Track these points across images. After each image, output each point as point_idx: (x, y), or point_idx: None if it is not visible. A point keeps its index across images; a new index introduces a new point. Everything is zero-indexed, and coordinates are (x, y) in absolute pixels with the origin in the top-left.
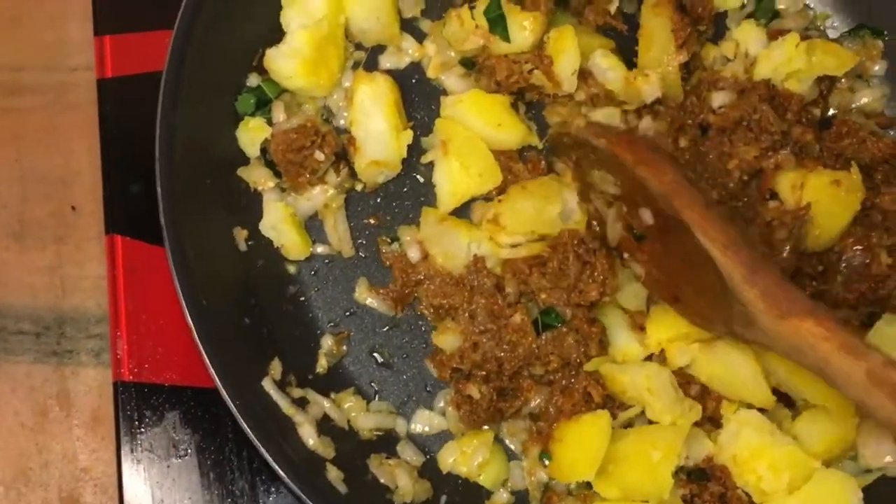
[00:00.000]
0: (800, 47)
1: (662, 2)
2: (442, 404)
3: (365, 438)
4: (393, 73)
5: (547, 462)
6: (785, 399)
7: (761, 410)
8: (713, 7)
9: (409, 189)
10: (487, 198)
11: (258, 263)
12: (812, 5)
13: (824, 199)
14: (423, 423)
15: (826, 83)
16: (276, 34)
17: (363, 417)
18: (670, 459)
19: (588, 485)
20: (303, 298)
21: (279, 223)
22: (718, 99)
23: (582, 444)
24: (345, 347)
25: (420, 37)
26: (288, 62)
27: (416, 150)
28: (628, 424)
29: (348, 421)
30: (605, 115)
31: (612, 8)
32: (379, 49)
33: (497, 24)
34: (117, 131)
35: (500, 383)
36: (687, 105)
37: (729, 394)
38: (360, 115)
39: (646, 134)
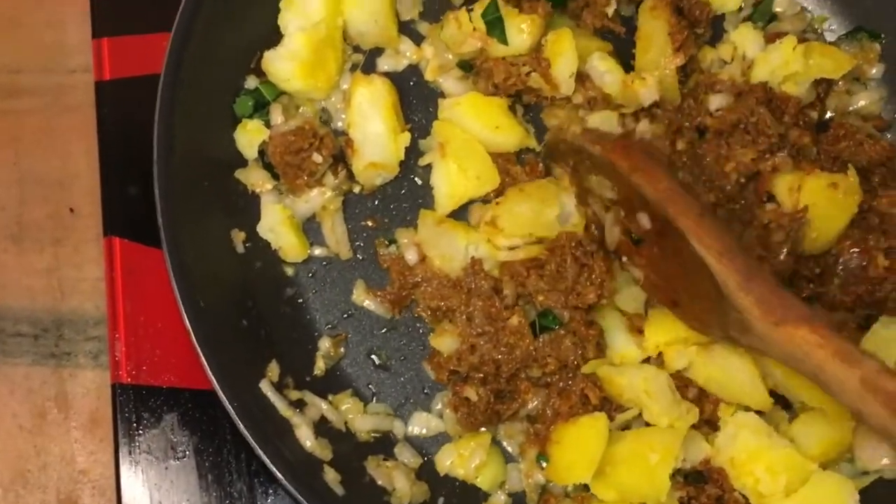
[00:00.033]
0: (797, 50)
1: (660, 5)
2: (439, 406)
3: (362, 440)
4: (391, 76)
5: (544, 464)
6: (782, 402)
7: (759, 413)
8: (710, 10)
9: (407, 191)
10: (485, 200)
11: (256, 265)
12: (809, 8)
13: (821, 201)
14: (421, 425)
15: (823, 86)
16: (274, 37)
17: (361, 419)
18: (667, 462)
19: (585, 487)
20: (300, 300)
21: (277, 225)
22: (716, 102)
23: (579, 446)
24: (342, 349)
25: (418, 39)
26: (286, 64)
27: (413, 152)
28: (626, 427)
29: (346, 423)
30: (603, 119)
31: (610, 11)
32: (377, 52)
33: (495, 26)
34: (115, 133)
35: (497, 385)
36: (684, 108)
37: (727, 397)
38: (357, 117)
39: (642, 138)
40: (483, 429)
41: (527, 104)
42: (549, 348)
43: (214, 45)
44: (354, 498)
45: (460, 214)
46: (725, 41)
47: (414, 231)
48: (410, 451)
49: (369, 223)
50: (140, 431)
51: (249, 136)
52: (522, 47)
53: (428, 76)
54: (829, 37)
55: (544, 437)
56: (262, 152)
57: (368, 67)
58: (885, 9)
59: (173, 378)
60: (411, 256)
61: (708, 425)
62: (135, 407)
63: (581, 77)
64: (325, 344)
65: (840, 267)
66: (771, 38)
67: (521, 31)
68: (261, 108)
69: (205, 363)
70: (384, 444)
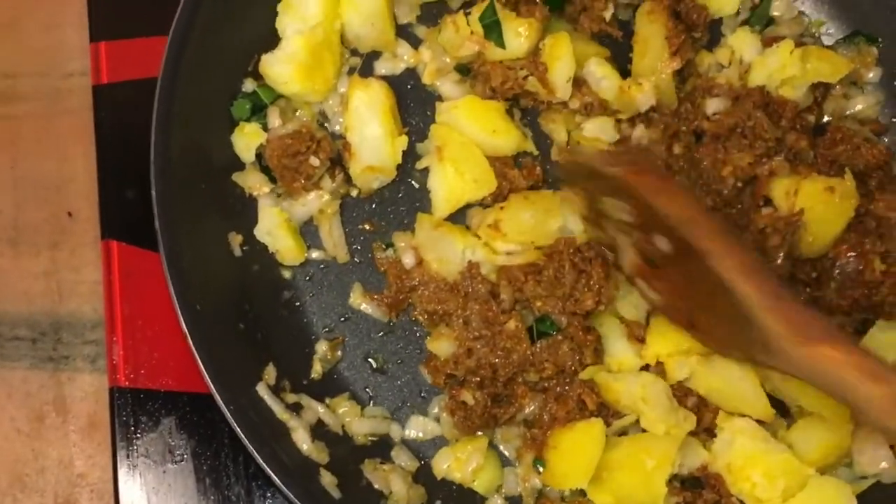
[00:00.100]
0: (794, 54)
1: (657, 9)
2: (436, 410)
3: (359, 444)
4: (388, 79)
5: (541, 469)
6: (780, 407)
7: (758, 421)
8: (708, 14)
9: (404, 195)
10: (483, 204)
11: (253, 269)
12: (807, 12)
13: (818, 205)
14: (418, 428)
15: (821, 90)
16: (271, 40)
17: (357, 423)
18: (664, 467)
19: (582, 492)
20: (297, 304)
21: (274, 228)
22: (713, 105)
23: (576, 451)
24: (339, 353)
25: (415, 43)
26: (283, 68)
27: (411, 155)
28: (622, 433)
29: (342, 426)
30: (599, 124)
31: (607, 15)
32: (374, 55)
33: (492, 30)
34: (113, 137)
35: (494, 390)
36: (681, 112)
37: (728, 407)
38: (355, 120)
39: (639, 143)
40: (480, 433)
41: (524, 108)
42: (546, 353)
43: (212, 48)
44: (351, 501)
45: (458, 218)
46: (723, 45)
47: (411, 234)
48: (407, 455)
49: (366, 226)
50: (138, 435)
51: (247, 140)
52: (520, 51)
53: (425, 80)
54: (827, 41)
55: (541, 441)
56: (259, 155)
57: (366, 71)
58: (883, 13)
59: (171, 381)
60: (408, 260)
61: (706, 432)
62: (132, 410)
63: (578, 82)
64: (321, 347)
65: (837, 271)
66: (768, 42)
67: (518, 34)
68: (258, 111)
69: (201, 366)
70: (381, 448)
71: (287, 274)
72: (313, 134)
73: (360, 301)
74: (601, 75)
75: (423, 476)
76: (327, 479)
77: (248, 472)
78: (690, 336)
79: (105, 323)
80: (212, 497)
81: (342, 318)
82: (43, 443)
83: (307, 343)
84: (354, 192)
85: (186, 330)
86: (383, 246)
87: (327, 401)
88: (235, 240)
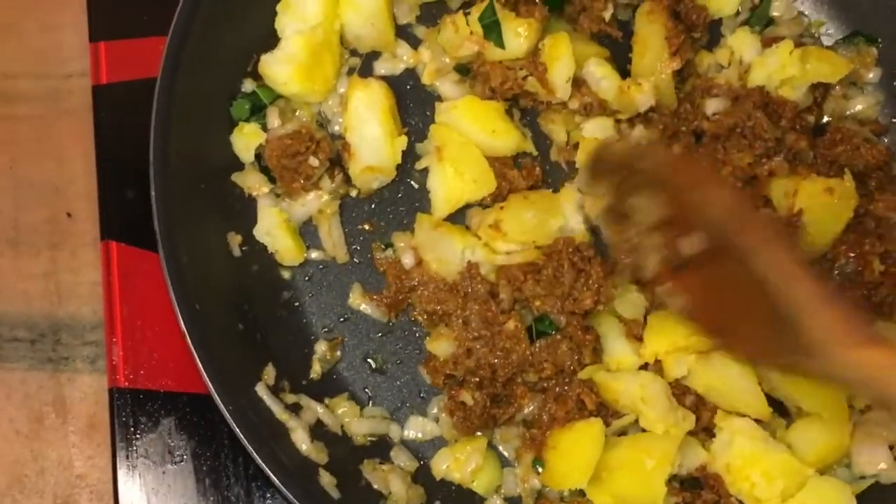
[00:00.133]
0: (794, 54)
1: (656, 9)
2: (435, 410)
3: (358, 444)
4: (388, 80)
5: (540, 469)
6: (779, 407)
7: (756, 421)
8: (707, 14)
9: (404, 195)
10: (482, 204)
11: (252, 269)
12: (807, 13)
13: (817, 206)
14: (417, 428)
15: (820, 90)
16: (270, 40)
17: (357, 423)
18: (664, 467)
19: (581, 492)
20: (297, 304)
21: (273, 229)
22: (712, 106)
23: (575, 451)
24: (339, 353)
25: (415, 43)
26: (283, 68)
27: (410, 156)
28: (622, 433)
29: (342, 426)
30: (599, 125)
31: (607, 15)
32: (374, 55)
33: (491, 30)
34: (112, 137)
35: (493, 390)
36: (681, 112)
37: (726, 406)
38: (354, 120)
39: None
40: (479, 433)
41: (524, 108)
42: (545, 353)
43: (211, 48)
44: (350, 501)
45: (457, 218)
46: (722, 45)
47: (410, 235)
48: (406, 455)
49: (366, 227)
50: (137, 436)
51: (246, 140)
52: (519, 51)
53: (425, 80)
54: (827, 41)
55: (540, 442)
56: (258, 156)
57: (365, 71)
58: (883, 13)
59: (171, 382)
60: (408, 260)
61: (705, 432)
62: (132, 411)
63: (577, 82)
64: (321, 347)
65: (836, 271)
66: (768, 43)
67: (517, 34)
68: (257, 111)
69: (200, 366)
70: (380, 448)
71: (286, 274)
72: (313, 134)
73: (359, 301)
74: (601, 75)
75: (422, 476)
76: (326, 480)
77: (248, 473)
78: (717, 344)
79: (104, 324)
80: (211, 498)
81: (341, 319)
82: (42, 444)
83: (306, 343)
84: (354, 193)
85: (185, 330)
86: (382, 246)
87: (326, 401)
88: (235, 240)
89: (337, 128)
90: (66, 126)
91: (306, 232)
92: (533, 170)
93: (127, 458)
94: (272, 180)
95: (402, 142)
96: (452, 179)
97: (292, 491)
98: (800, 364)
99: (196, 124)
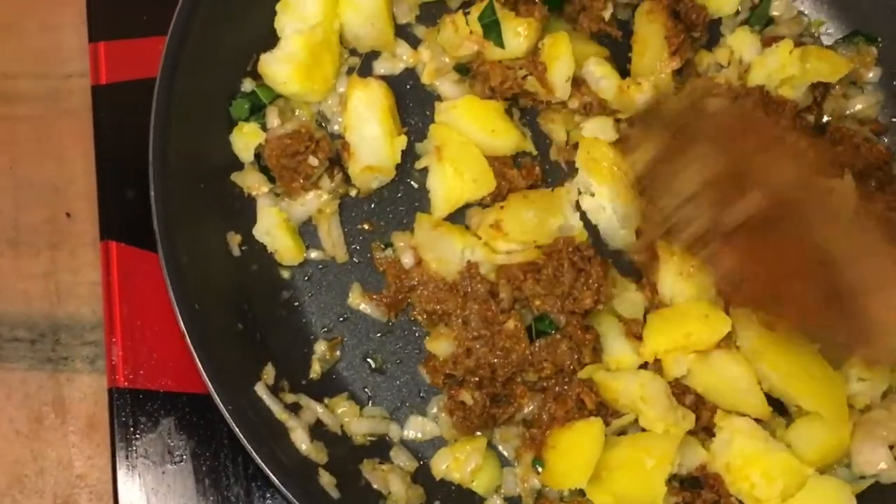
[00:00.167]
0: (794, 54)
1: (656, 9)
2: (435, 410)
3: (358, 444)
4: (387, 79)
5: (540, 469)
6: (778, 407)
7: (756, 420)
8: (707, 14)
9: (403, 195)
10: (482, 204)
11: (252, 269)
12: (806, 12)
13: None
14: (417, 428)
15: (820, 90)
16: (270, 39)
17: (356, 423)
18: (664, 467)
19: (581, 492)
20: (296, 304)
21: (273, 228)
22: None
23: (575, 451)
24: (338, 353)
25: (414, 43)
26: (282, 67)
27: (410, 155)
28: (622, 432)
29: (341, 426)
30: (598, 125)
31: (607, 15)
32: (373, 55)
33: (491, 29)
34: (112, 137)
35: (493, 389)
36: None
37: (725, 405)
38: (354, 120)
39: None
40: (479, 433)
41: (523, 108)
42: (545, 353)
43: (211, 48)
44: (350, 501)
45: (457, 218)
46: (722, 45)
47: (410, 234)
48: (406, 455)
49: (365, 226)
50: (137, 436)
51: (245, 139)
52: (519, 51)
53: (424, 79)
54: (826, 40)
55: (540, 441)
56: (258, 155)
57: (365, 71)
58: (882, 12)
59: (170, 382)
60: (407, 260)
61: (705, 431)
62: (132, 411)
63: (577, 82)
64: (320, 347)
65: None
66: (768, 42)
67: (517, 34)
68: (257, 111)
69: (200, 366)
70: (380, 448)
71: (286, 274)
72: (312, 134)
73: (358, 301)
74: (600, 75)
75: (421, 476)
76: (326, 479)
77: (248, 473)
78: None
79: (104, 324)
80: (211, 497)
81: (341, 318)
82: (42, 444)
83: (306, 343)
84: (353, 192)
85: (185, 330)
86: (382, 246)
87: (326, 401)
88: (234, 240)
89: (336, 127)
90: (66, 126)
91: (306, 231)
92: (533, 169)
93: (126, 457)
94: (272, 180)
95: (402, 141)
96: (452, 179)
97: (292, 491)
98: (858, 350)
99: (195, 124)
